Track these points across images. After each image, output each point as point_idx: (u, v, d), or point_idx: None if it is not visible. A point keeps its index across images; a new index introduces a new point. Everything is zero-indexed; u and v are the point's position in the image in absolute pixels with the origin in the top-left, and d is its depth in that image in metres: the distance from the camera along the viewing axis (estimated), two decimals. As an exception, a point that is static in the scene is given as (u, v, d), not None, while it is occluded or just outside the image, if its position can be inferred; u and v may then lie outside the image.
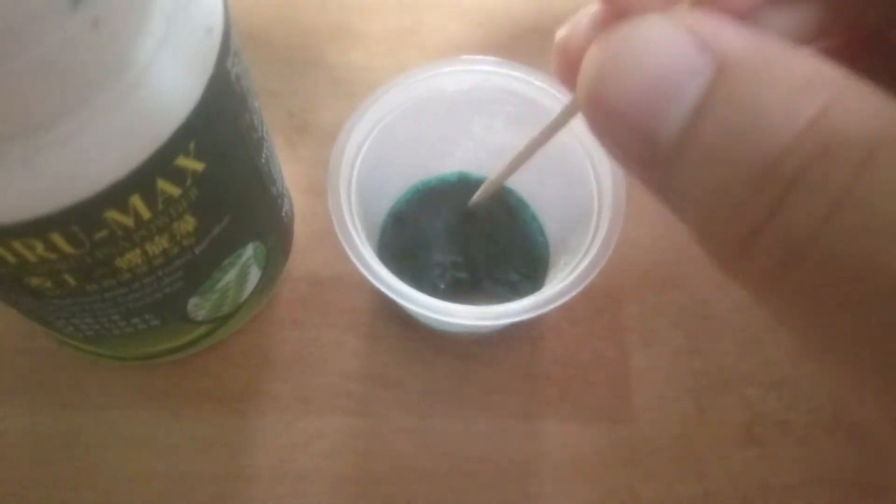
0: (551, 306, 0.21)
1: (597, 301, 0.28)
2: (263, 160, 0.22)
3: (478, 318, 0.22)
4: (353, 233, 0.22)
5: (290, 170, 0.28)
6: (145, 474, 0.25)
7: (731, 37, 0.11)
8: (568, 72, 0.14)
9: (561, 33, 0.14)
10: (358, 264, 0.22)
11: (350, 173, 0.23)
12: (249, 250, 0.23)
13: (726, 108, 0.10)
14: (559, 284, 0.22)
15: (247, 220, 0.22)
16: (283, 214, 0.26)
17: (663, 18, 0.11)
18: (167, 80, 0.16)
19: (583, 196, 0.24)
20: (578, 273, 0.22)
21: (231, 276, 0.23)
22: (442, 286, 0.27)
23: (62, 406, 0.26)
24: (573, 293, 0.21)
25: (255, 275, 0.24)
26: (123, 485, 0.25)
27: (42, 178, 0.16)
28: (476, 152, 0.28)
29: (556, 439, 0.26)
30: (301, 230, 0.28)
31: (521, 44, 0.33)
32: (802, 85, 0.10)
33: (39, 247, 0.17)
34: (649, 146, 0.11)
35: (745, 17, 0.13)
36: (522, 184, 0.28)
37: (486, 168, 0.28)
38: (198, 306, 0.23)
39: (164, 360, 0.25)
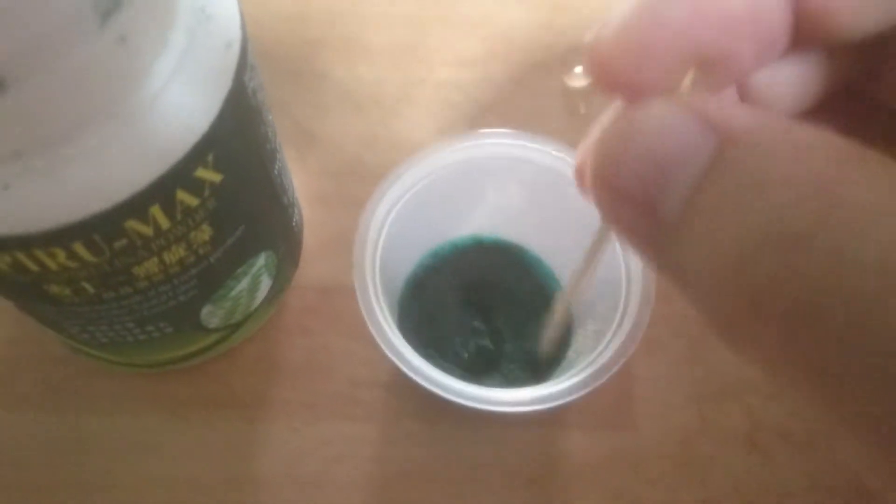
0: (583, 392, 0.22)
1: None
2: (276, 171, 0.23)
3: (513, 406, 0.22)
4: (380, 315, 0.23)
5: (298, 180, 0.28)
6: (156, 480, 0.26)
7: (731, 114, 0.11)
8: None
9: (578, 156, 0.15)
10: (391, 355, 0.23)
11: (374, 252, 0.24)
12: (261, 259, 0.23)
13: (728, 180, 0.10)
14: (579, 375, 0.22)
15: (260, 229, 0.22)
16: (294, 224, 0.26)
17: (664, 99, 0.11)
18: (188, 93, 0.16)
19: (609, 260, 0.25)
20: (596, 368, 0.22)
21: (243, 284, 0.23)
22: (465, 354, 0.27)
23: (75, 412, 0.27)
24: (597, 384, 0.22)
25: (266, 283, 0.25)
26: (134, 490, 0.25)
27: (65, 189, 0.16)
28: (491, 217, 0.28)
29: (562, 446, 0.27)
30: (309, 239, 0.29)
31: (524, 58, 0.34)
32: (803, 152, 0.10)
33: (61, 255, 0.18)
34: (652, 222, 0.11)
35: (742, 82, 0.13)
36: (537, 242, 0.29)
37: (499, 230, 0.29)
38: (211, 314, 0.23)
39: (176, 367, 0.26)
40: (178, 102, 0.16)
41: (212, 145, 0.17)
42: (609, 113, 0.13)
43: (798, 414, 0.28)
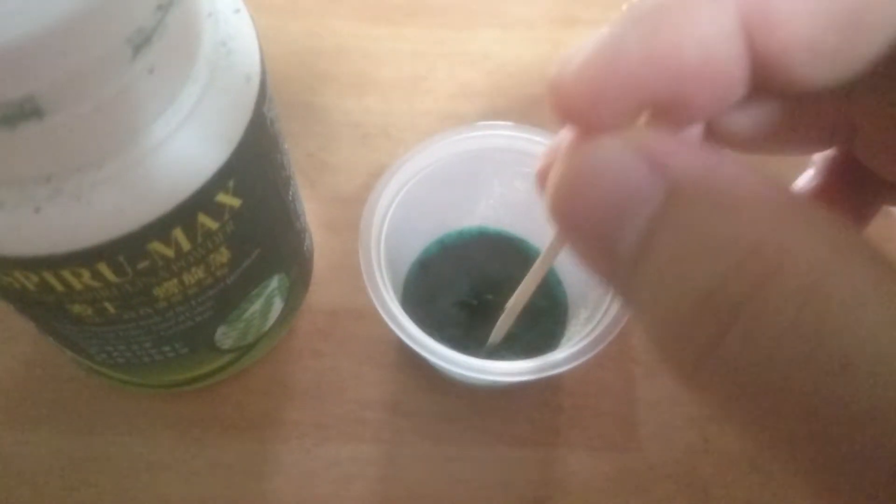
0: (571, 365, 0.23)
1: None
2: (290, 197, 0.23)
3: (503, 375, 0.23)
4: (382, 288, 0.24)
5: (309, 207, 0.29)
6: (168, 500, 0.26)
7: (683, 159, 0.11)
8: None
9: (540, 162, 0.15)
10: (386, 317, 0.24)
11: (379, 231, 0.25)
12: (274, 282, 0.24)
13: (674, 234, 0.11)
14: (570, 349, 0.23)
15: (274, 253, 0.23)
16: (305, 249, 0.27)
17: (617, 139, 0.11)
18: (211, 123, 0.17)
19: None
20: (598, 333, 0.23)
21: (257, 306, 0.24)
22: (461, 333, 0.28)
23: (88, 432, 0.27)
24: (595, 352, 0.23)
25: (278, 305, 0.25)
26: (147, 509, 0.26)
27: (93, 212, 0.17)
28: (496, 209, 0.29)
29: (567, 467, 0.27)
30: (319, 264, 0.30)
31: (528, 91, 0.35)
32: (747, 208, 0.10)
33: (86, 275, 0.18)
34: (608, 262, 0.12)
35: (707, 123, 0.14)
36: (539, 237, 0.29)
37: (506, 222, 0.30)
38: (225, 335, 0.24)
39: (189, 388, 0.27)
40: (201, 131, 0.17)
41: (232, 172, 0.18)
42: (567, 131, 0.13)
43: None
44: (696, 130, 0.14)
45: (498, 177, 0.28)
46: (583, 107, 0.12)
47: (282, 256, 0.24)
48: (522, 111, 0.34)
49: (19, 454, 0.27)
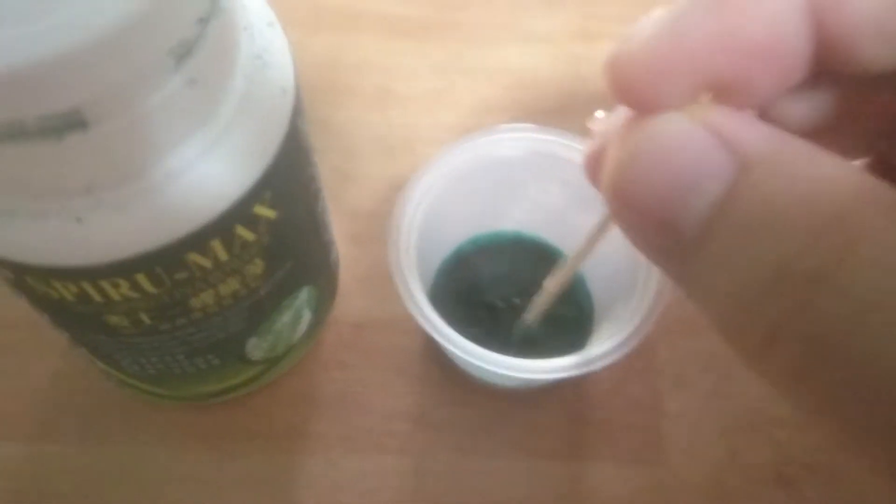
0: (595, 366, 0.23)
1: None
2: (319, 209, 0.24)
3: (529, 372, 0.23)
4: (409, 280, 0.24)
5: (333, 220, 0.29)
6: (196, 511, 0.26)
7: (752, 135, 0.11)
8: (599, 178, 0.14)
9: (590, 146, 0.15)
10: (412, 310, 0.23)
11: (410, 225, 0.25)
12: (304, 293, 0.24)
13: (747, 207, 0.10)
14: (603, 346, 0.23)
15: (304, 264, 0.23)
16: (332, 260, 0.27)
17: (682, 115, 0.11)
18: (250, 134, 0.18)
19: (630, 263, 0.25)
20: (622, 338, 0.23)
21: (287, 317, 0.24)
22: (483, 333, 0.28)
23: (115, 444, 0.27)
24: (618, 356, 0.23)
25: (306, 317, 0.26)
26: (175, 521, 0.26)
27: (133, 223, 0.17)
28: (532, 213, 0.29)
29: (593, 481, 0.27)
30: (344, 276, 0.30)
31: (547, 105, 0.35)
32: (823, 183, 0.10)
33: (124, 286, 0.19)
34: (671, 239, 0.11)
35: (762, 109, 0.13)
36: (572, 244, 0.29)
37: (541, 229, 0.30)
38: (255, 346, 0.24)
39: (217, 400, 0.27)
40: (240, 143, 0.18)
41: (269, 184, 0.18)
42: (620, 115, 0.13)
43: (825, 448, 0.28)
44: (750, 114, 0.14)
45: (535, 182, 0.28)
46: (644, 85, 0.12)
47: (311, 268, 0.24)
48: (543, 123, 0.34)
49: (48, 467, 0.27)
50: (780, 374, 0.11)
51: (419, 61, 0.36)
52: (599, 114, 0.37)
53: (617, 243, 0.26)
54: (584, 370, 0.23)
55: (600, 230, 0.19)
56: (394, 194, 0.33)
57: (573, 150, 0.26)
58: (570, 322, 0.29)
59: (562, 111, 0.35)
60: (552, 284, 0.23)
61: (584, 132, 0.27)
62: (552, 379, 0.23)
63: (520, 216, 0.30)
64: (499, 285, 0.29)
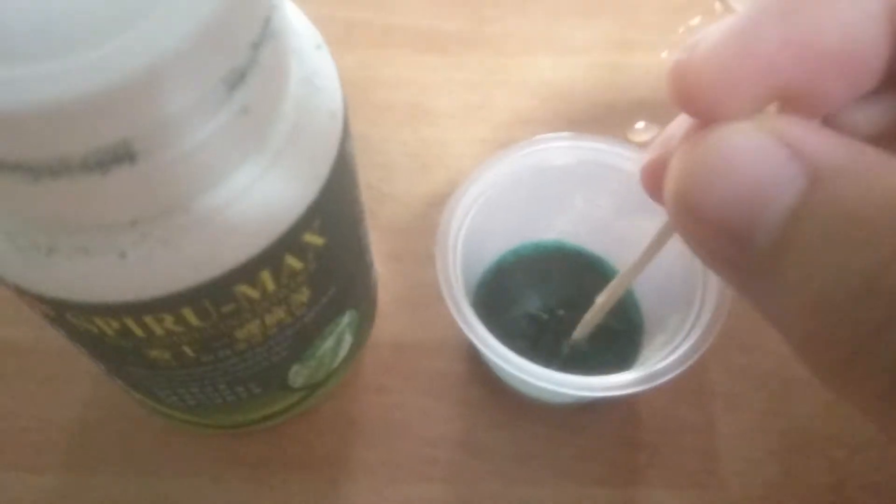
0: (653, 384, 0.22)
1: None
2: (363, 232, 0.23)
3: (578, 389, 0.22)
4: (458, 295, 0.23)
5: (370, 239, 0.28)
6: (237, 543, 0.25)
7: (822, 144, 0.10)
8: (658, 189, 0.14)
9: (650, 156, 0.14)
10: (464, 327, 0.23)
11: (456, 238, 0.24)
12: (347, 318, 0.24)
13: (824, 217, 0.10)
14: (660, 363, 0.22)
15: (348, 289, 0.23)
16: (372, 282, 0.26)
17: (752, 125, 0.11)
18: (299, 161, 0.17)
19: (685, 274, 0.25)
20: (680, 353, 0.22)
21: (329, 342, 0.23)
22: (527, 346, 0.27)
23: (151, 474, 0.27)
24: (677, 372, 0.22)
25: (348, 341, 0.25)
26: (216, 554, 0.25)
27: (180, 257, 0.17)
28: (577, 224, 0.29)
29: (645, 506, 0.26)
30: (382, 297, 0.29)
31: (585, 116, 0.34)
32: None
33: (169, 320, 0.18)
34: (744, 252, 0.11)
35: (829, 116, 0.13)
36: (617, 256, 0.29)
37: (584, 240, 0.29)
38: (297, 373, 0.23)
39: (256, 427, 0.26)
40: (290, 171, 0.17)
41: (319, 211, 0.18)
42: (681, 123, 0.12)
43: (885, 468, 0.27)
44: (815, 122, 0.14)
45: (582, 192, 0.27)
46: (711, 94, 0.11)
47: (354, 291, 0.24)
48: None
49: (80, 499, 0.26)
50: (866, 393, 0.10)
51: (453, 75, 0.35)
52: (640, 125, 0.36)
53: (671, 253, 0.25)
54: (647, 386, 0.22)
55: (659, 242, 0.18)
56: (429, 211, 0.32)
57: (622, 158, 0.26)
58: (619, 335, 0.28)
59: (600, 122, 0.34)
60: (604, 299, 0.22)
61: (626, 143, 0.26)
62: (610, 396, 0.22)
63: (562, 226, 0.29)
64: (541, 297, 0.29)
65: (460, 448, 0.27)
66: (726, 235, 0.11)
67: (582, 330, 0.24)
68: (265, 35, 0.15)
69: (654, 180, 0.14)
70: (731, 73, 0.11)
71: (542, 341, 0.28)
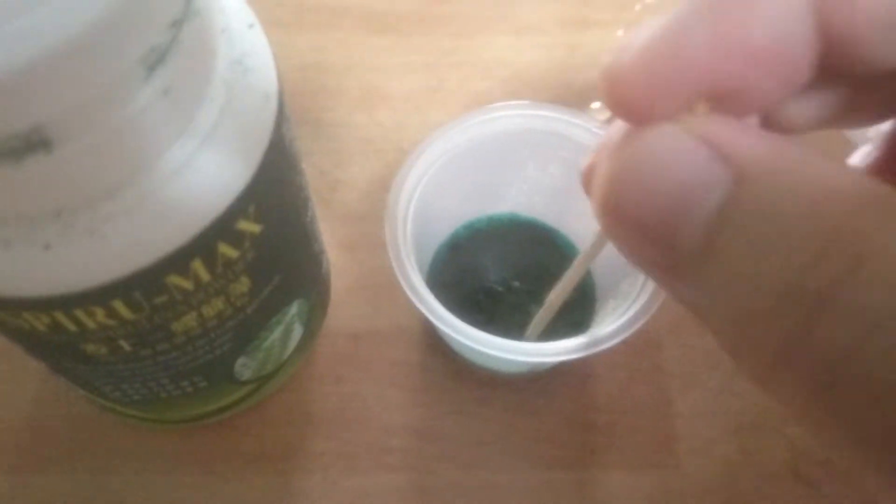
0: (604, 346, 0.22)
1: (636, 345, 0.28)
2: (308, 219, 0.22)
3: (530, 355, 0.22)
4: (410, 271, 0.23)
5: (323, 226, 0.28)
6: (190, 539, 0.25)
7: (748, 145, 0.10)
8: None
9: (588, 161, 0.14)
10: (414, 300, 0.22)
11: (405, 213, 0.24)
12: (294, 308, 0.23)
13: (746, 220, 0.10)
14: (611, 325, 0.22)
15: (294, 278, 0.22)
16: (323, 271, 0.26)
17: (676, 127, 0.11)
18: (230, 146, 0.16)
19: None
20: (630, 316, 0.22)
21: (277, 334, 0.23)
22: (485, 319, 0.27)
23: (104, 471, 0.26)
24: (627, 334, 0.22)
25: (297, 332, 0.24)
26: (168, 551, 0.25)
27: (108, 247, 0.16)
28: (530, 195, 0.28)
29: (603, 488, 0.26)
30: (336, 285, 0.29)
31: (542, 96, 0.34)
32: (826, 192, 0.10)
33: (100, 314, 0.17)
34: (669, 256, 0.11)
35: (766, 113, 0.13)
36: (570, 227, 0.28)
37: (538, 210, 0.29)
38: (244, 366, 0.23)
39: (207, 421, 0.25)
40: (220, 155, 0.16)
41: (253, 197, 0.17)
42: (619, 128, 0.12)
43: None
44: (752, 119, 0.13)
45: (533, 160, 0.27)
46: (642, 96, 0.11)
47: (302, 281, 0.23)
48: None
49: (31, 498, 0.26)
50: (790, 394, 0.10)
51: (407, 57, 0.35)
52: (597, 104, 0.35)
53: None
54: (593, 350, 0.22)
55: (600, 241, 0.18)
56: (384, 197, 0.31)
57: (573, 125, 0.25)
58: (573, 304, 0.27)
59: (557, 102, 0.33)
60: (555, 297, 0.22)
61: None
62: (561, 361, 0.22)
63: (516, 198, 0.29)
64: (497, 269, 0.29)
65: (417, 436, 0.27)
66: (651, 240, 0.11)
67: (534, 330, 0.24)
68: (187, 13, 0.15)
69: (590, 184, 0.14)
70: (659, 76, 0.11)
71: (499, 313, 0.27)
